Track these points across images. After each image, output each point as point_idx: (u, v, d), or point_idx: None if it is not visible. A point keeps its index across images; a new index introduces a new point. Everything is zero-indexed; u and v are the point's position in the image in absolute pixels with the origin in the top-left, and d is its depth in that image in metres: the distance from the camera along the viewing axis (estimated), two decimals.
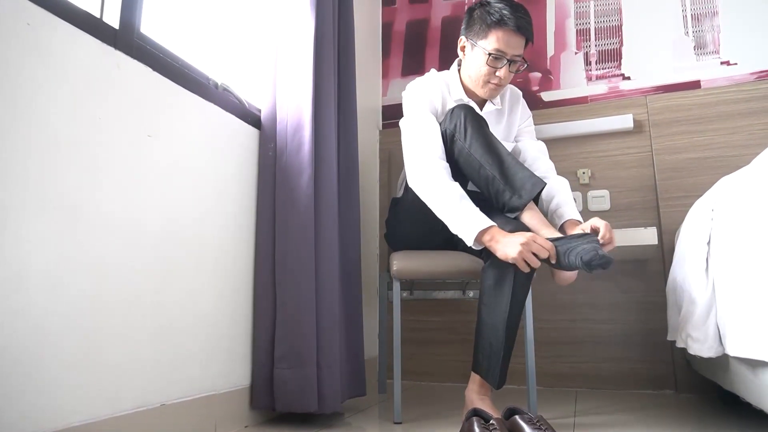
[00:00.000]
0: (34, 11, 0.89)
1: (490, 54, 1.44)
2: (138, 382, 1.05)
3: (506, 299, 1.30)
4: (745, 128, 1.93)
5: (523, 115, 1.69)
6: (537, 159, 1.59)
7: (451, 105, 1.53)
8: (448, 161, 1.39)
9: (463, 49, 1.56)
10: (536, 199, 1.35)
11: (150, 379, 1.08)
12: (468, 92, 1.58)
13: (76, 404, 0.91)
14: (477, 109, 1.52)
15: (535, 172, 1.37)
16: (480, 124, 1.38)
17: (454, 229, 1.31)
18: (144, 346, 1.07)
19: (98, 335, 0.97)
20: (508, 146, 1.61)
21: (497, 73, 1.47)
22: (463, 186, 1.37)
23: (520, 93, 1.72)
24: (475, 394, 1.35)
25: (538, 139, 1.68)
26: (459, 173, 1.40)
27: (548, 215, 1.46)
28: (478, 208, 1.30)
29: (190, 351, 1.20)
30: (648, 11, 2.17)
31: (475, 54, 1.50)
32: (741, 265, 1.04)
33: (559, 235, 1.29)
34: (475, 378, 1.36)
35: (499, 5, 1.44)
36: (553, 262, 1.22)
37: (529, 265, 1.21)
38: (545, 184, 1.31)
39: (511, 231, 1.25)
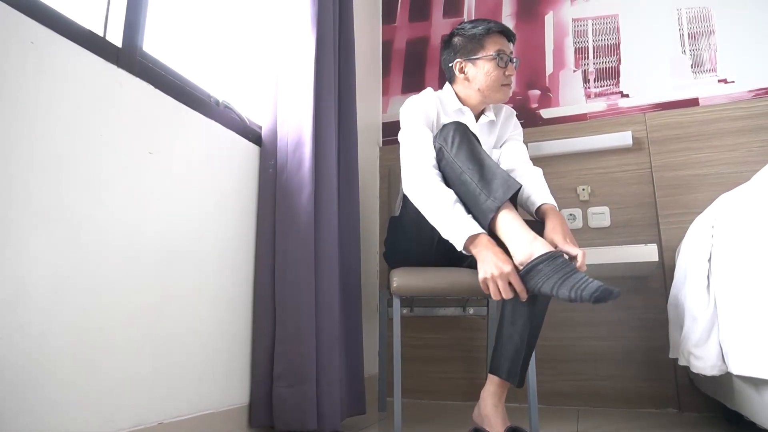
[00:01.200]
0: (38, 30, 0.90)
1: (494, 58, 1.56)
2: (136, 401, 1.04)
3: (530, 304, 1.28)
4: (743, 145, 1.94)
5: (515, 127, 1.74)
6: (511, 154, 1.62)
7: (445, 119, 1.58)
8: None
9: (462, 70, 1.62)
10: (514, 200, 1.33)
11: (148, 398, 1.07)
12: (465, 104, 1.64)
13: (73, 423, 0.90)
14: (473, 124, 1.59)
15: (507, 163, 1.46)
16: (468, 136, 1.40)
17: (445, 234, 1.31)
18: (142, 364, 1.06)
19: (96, 353, 0.96)
20: (496, 153, 1.65)
21: (507, 72, 1.58)
22: None
23: (514, 111, 1.77)
24: (492, 398, 1.32)
25: (537, 155, 1.68)
26: (445, 183, 1.40)
27: (523, 206, 1.50)
28: (470, 215, 1.30)
29: (189, 369, 1.19)
30: (645, 30, 2.20)
31: (480, 66, 1.58)
32: (743, 282, 1.04)
33: (536, 240, 1.21)
34: (493, 379, 1.34)
35: (474, 22, 1.61)
36: (523, 299, 1.21)
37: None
38: (520, 185, 1.29)
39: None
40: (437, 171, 1.40)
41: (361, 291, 1.70)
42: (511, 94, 1.65)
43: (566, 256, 1.23)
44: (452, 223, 1.29)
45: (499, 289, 1.21)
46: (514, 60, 1.60)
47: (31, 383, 0.84)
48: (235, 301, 1.36)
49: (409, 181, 1.41)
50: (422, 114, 1.54)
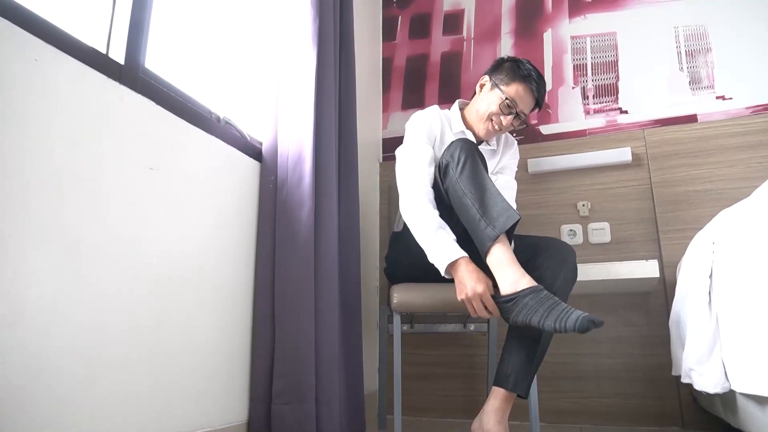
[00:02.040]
0: (41, 48, 0.91)
1: (505, 99, 1.55)
2: (133, 418, 1.03)
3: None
4: (743, 161, 1.94)
5: (512, 156, 1.75)
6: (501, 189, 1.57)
7: (449, 137, 1.59)
8: (440, 189, 1.43)
9: (482, 86, 1.65)
10: (511, 232, 1.33)
11: (146, 416, 1.05)
12: (468, 127, 1.65)
13: None
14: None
15: None
16: (474, 156, 1.40)
17: (430, 259, 1.35)
18: (140, 382, 1.05)
19: (94, 371, 0.95)
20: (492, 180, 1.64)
21: (502, 117, 1.57)
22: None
23: (515, 141, 1.79)
24: (496, 414, 1.31)
25: (536, 171, 1.68)
26: (448, 202, 1.41)
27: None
28: (453, 238, 1.33)
29: (187, 386, 1.18)
30: (643, 47, 2.22)
31: (493, 94, 1.59)
32: (745, 298, 1.03)
33: (524, 277, 1.24)
34: (498, 393, 1.33)
35: (530, 66, 1.58)
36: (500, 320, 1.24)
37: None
38: (520, 217, 1.31)
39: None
40: (428, 189, 1.43)
41: (361, 307, 1.69)
42: (492, 138, 1.66)
43: None
44: (435, 248, 1.33)
45: (474, 308, 1.28)
46: (522, 116, 1.57)
47: (28, 400, 0.83)
48: (234, 317, 1.35)
49: (402, 201, 1.46)
50: (425, 130, 1.56)
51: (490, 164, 1.68)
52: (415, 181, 1.44)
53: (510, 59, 1.62)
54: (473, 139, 1.62)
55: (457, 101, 1.72)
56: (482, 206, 1.32)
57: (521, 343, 1.35)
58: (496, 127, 1.58)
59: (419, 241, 1.37)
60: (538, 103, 1.60)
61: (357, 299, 1.65)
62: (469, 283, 1.26)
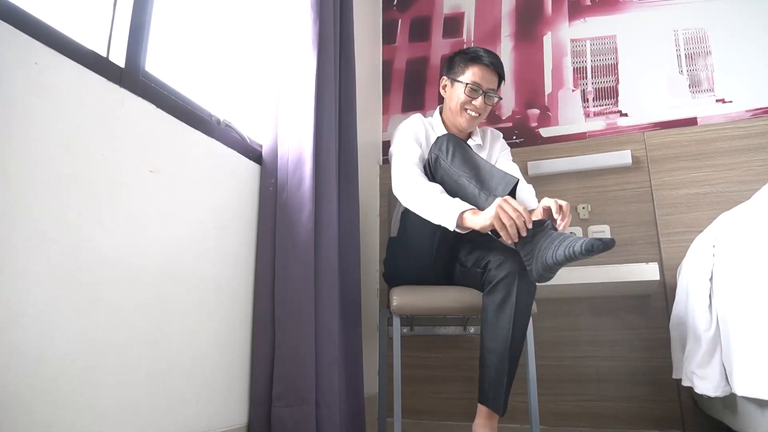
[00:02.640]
0: (42, 51, 0.91)
1: (467, 85, 1.62)
2: (133, 422, 1.02)
3: (507, 322, 1.35)
4: (743, 164, 1.94)
5: (502, 148, 1.80)
6: (506, 170, 1.61)
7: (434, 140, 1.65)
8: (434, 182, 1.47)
9: (444, 87, 1.72)
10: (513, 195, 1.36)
11: (145, 420, 1.05)
12: (449, 130, 1.72)
13: None
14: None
15: None
16: (461, 144, 1.47)
17: (436, 220, 1.36)
18: (139, 386, 1.05)
19: (93, 375, 0.95)
20: None
21: (473, 102, 1.63)
22: None
23: (501, 134, 1.84)
24: (482, 429, 1.34)
25: (536, 174, 1.69)
26: (445, 190, 1.44)
27: None
28: (458, 199, 1.36)
29: (187, 390, 1.17)
30: (643, 51, 2.22)
31: (455, 88, 1.66)
32: (745, 301, 1.03)
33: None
34: (482, 411, 1.36)
35: (476, 48, 1.66)
36: (524, 234, 1.24)
37: (517, 234, 1.25)
38: (518, 180, 1.36)
39: None
40: (423, 174, 1.48)
41: (361, 310, 1.69)
42: (475, 125, 1.70)
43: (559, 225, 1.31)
44: (441, 208, 1.36)
45: (513, 218, 1.24)
46: (493, 95, 1.64)
47: (27, 405, 0.83)
48: (234, 320, 1.35)
49: (397, 183, 1.50)
50: (412, 134, 1.64)
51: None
52: (407, 163, 1.51)
53: (456, 52, 1.70)
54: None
55: (438, 107, 1.79)
56: (479, 181, 1.37)
57: (492, 355, 1.36)
58: (473, 113, 1.64)
59: (422, 210, 1.40)
60: (500, 75, 1.65)
61: (357, 302, 1.65)
62: (491, 207, 1.27)
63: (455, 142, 1.47)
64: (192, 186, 1.25)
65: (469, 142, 1.71)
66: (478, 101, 1.62)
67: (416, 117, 1.71)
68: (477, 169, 1.40)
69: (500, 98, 1.69)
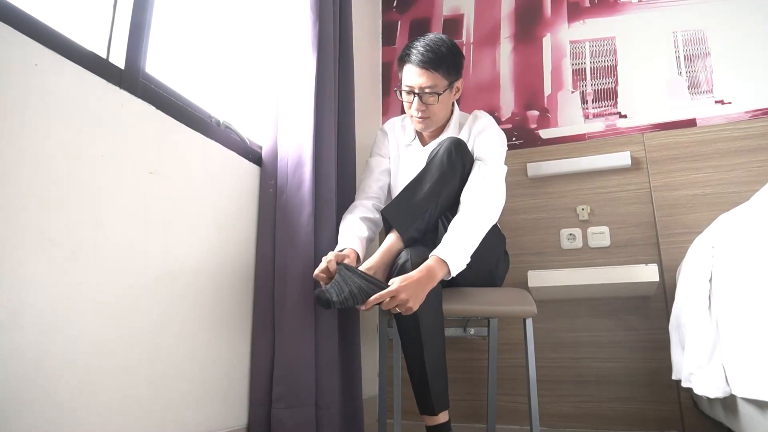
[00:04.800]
0: (42, 52, 0.91)
1: (396, 89, 1.54)
2: (133, 424, 1.02)
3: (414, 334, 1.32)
4: (742, 165, 1.94)
5: (478, 130, 1.58)
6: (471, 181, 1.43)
7: (403, 146, 1.68)
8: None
9: (398, 95, 1.59)
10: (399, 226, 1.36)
11: (145, 421, 1.05)
12: (418, 133, 1.68)
13: None
14: (418, 156, 1.63)
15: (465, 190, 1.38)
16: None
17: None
18: (139, 388, 1.05)
19: (93, 377, 0.95)
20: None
21: (411, 106, 1.52)
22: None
23: (480, 115, 1.63)
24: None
25: (536, 175, 1.65)
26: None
27: None
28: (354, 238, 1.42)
29: (186, 391, 1.17)
30: (642, 52, 2.22)
31: (400, 95, 1.56)
32: (744, 302, 1.03)
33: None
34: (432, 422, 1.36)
35: (412, 44, 1.51)
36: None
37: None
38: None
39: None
40: (364, 202, 1.58)
41: (360, 312, 1.69)
42: (428, 127, 1.58)
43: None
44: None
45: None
46: (428, 94, 1.47)
47: (27, 407, 0.83)
48: (234, 321, 1.35)
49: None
50: (380, 144, 1.71)
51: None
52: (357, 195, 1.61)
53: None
54: (419, 147, 1.65)
55: None
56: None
57: (410, 369, 1.36)
58: (413, 114, 1.53)
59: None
60: (434, 69, 1.46)
61: None
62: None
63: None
64: (192, 187, 1.25)
65: (441, 136, 1.62)
66: (414, 104, 1.50)
67: (390, 123, 1.73)
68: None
69: (441, 93, 1.49)
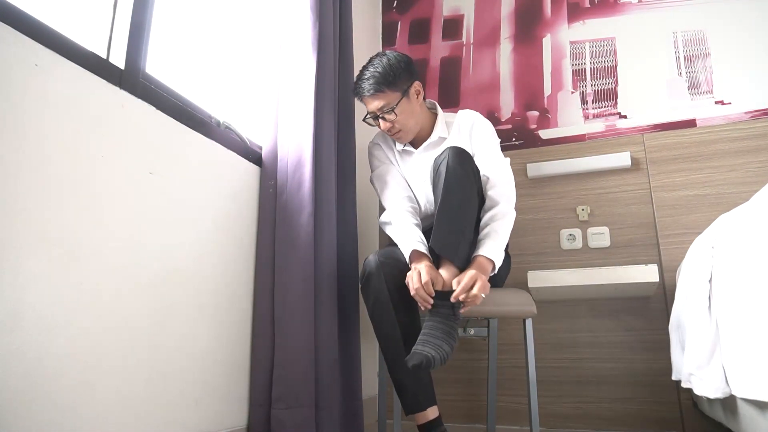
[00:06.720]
0: (42, 53, 0.91)
1: (363, 120, 1.65)
2: (132, 424, 1.02)
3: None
4: (742, 166, 1.94)
5: (478, 134, 1.64)
6: (493, 186, 1.52)
7: (397, 153, 1.71)
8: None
9: None
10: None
11: (145, 421, 1.05)
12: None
13: None
14: (415, 161, 1.68)
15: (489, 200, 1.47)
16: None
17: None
18: (139, 388, 1.05)
19: (93, 376, 0.95)
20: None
21: (382, 127, 1.61)
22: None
23: (476, 117, 1.67)
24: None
25: (536, 176, 1.64)
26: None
27: None
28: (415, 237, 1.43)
29: (186, 392, 1.17)
30: (642, 53, 2.23)
31: None
32: (744, 303, 1.03)
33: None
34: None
35: (358, 77, 1.60)
36: (427, 307, 1.31)
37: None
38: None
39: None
40: (404, 203, 1.58)
41: (360, 312, 1.69)
42: (405, 139, 1.64)
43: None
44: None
45: (414, 289, 1.31)
46: (385, 111, 1.55)
47: (27, 405, 0.83)
48: (233, 322, 1.35)
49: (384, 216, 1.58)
50: (379, 153, 1.72)
51: (438, 150, 1.58)
52: (389, 199, 1.59)
53: None
54: (412, 149, 1.69)
55: None
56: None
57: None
58: (387, 132, 1.62)
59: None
60: (377, 93, 1.54)
61: (356, 304, 1.65)
62: (413, 273, 1.32)
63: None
64: (192, 187, 1.25)
65: (432, 137, 1.64)
66: (382, 125, 1.60)
67: (375, 138, 1.77)
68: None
69: (394, 107, 1.55)
